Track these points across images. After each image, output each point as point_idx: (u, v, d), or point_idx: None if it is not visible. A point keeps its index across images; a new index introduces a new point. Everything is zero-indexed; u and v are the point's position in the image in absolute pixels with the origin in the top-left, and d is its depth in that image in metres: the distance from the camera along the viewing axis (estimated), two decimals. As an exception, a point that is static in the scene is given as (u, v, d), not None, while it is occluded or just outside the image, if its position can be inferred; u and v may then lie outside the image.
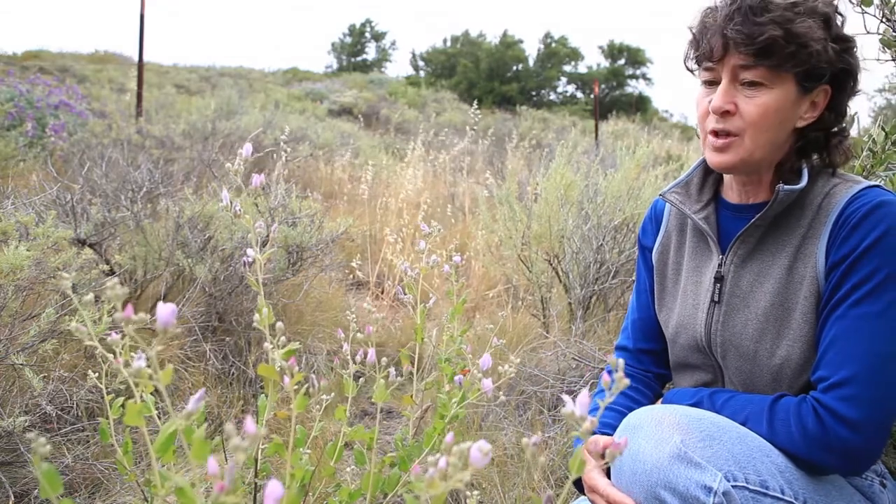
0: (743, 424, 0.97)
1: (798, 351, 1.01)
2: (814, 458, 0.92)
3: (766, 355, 1.04)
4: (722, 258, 1.10)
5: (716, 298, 1.09)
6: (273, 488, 0.42)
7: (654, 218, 1.27)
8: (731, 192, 1.13)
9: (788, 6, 0.95)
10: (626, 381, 0.59)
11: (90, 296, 0.58)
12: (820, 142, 1.05)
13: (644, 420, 0.94)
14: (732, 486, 0.87)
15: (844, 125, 1.06)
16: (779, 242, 1.04)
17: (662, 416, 0.93)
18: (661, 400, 1.17)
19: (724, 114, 1.01)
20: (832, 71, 0.99)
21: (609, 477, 1.00)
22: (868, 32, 1.37)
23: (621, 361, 0.60)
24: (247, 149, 0.80)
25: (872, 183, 1.02)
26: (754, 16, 0.95)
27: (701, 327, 1.11)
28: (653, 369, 1.28)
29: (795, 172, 1.06)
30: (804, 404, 0.95)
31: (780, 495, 0.90)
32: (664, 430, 0.90)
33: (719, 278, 1.09)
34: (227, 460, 0.50)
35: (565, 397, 0.58)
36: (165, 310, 0.53)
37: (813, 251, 1.00)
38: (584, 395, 0.58)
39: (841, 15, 1.01)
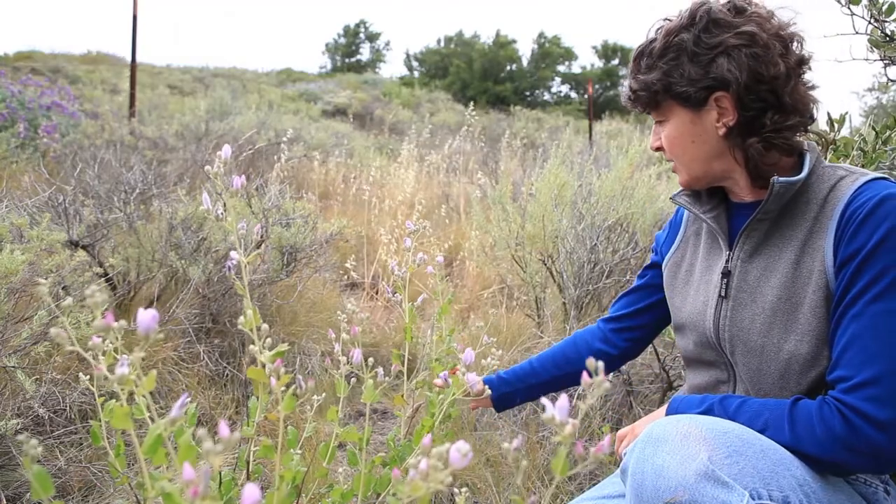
0: (762, 432, 0.96)
1: (806, 345, 1.01)
2: (839, 459, 0.92)
3: (773, 350, 1.04)
4: (729, 254, 1.12)
5: (723, 293, 1.11)
6: (250, 493, 0.42)
7: (675, 223, 1.33)
8: (730, 193, 1.16)
9: (649, 54, 1.11)
10: (607, 385, 0.60)
11: (69, 300, 0.58)
12: (761, 135, 1.06)
13: (669, 432, 0.91)
14: None
15: (787, 113, 1.05)
16: (785, 236, 1.06)
17: (688, 429, 0.91)
18: (666, 408, 1.15)
19: (657, 150, 1.18)
20: (708, 83, 1.05)
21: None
22: (857, 33, 1.38)
23: (601, 364, 0.61)
24: (226, 150, 0.80)
25: (877, 175, 1.02)
26: (630, 74, 1.16)
27: (710, 323, 1.13)
28: (625, 335, 1.40)
29: (793, 164, 1.08)
30: (826, 406, 0.94)
31: None
32: (690, 446, 0.88)
33: (726, 273, 1.11)
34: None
35: (545, 401, 0.58)
36: (146, 316, 0.53)
37: (820, 245, 1.01)
38: (563, 400, 0.58)
39: (711, 17, 1.06)
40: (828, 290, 0.99)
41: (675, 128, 1.12)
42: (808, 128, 1.11)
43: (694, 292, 1.19)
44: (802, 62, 1.07)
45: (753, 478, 0.87)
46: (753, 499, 0.86)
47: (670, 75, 1.08)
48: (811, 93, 1.08)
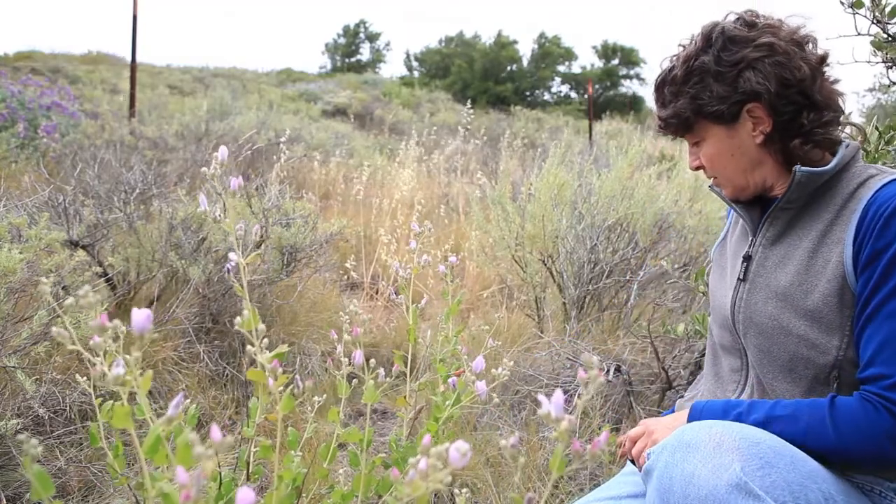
0: (803, 436, 0.96)
1: (815, 332, 1.02)
2: (888, 455, 0.93)
3: (782, 334, 1.06)
4: (752, 239, 1.16)
5: (741, 276, 1.15)
6: (244, 495, 0.42)
7: (729, 219, 1.35)
8: (769, 191, 1.18)
9: (672, 81, 1.14)
10: (601, 380, 0.60)
11: (70, 299, 0.57)
12: (802, 135, 1.09)
13: (701, 440, 0.91)
14: None
15: (820, 110, 1.08)
16: (807, 226, 1.08)
17: (722, 437, 0.90)
18: (687, 413, 1.13)
19: (698, 168, 1.21)
20: (739, 98, 1.08)
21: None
22: (859, 34, 1.39)
23: (595, 359, 0.62)
24: (222, 152, 0.80)
25: None
26: (656, 104, 1.20)
27: (729, 305, 1.17)
28: None
29: (823, 158, 1.10)
30: (869, 405, 0.95)
31: None
32: (723, 455, 0.88)
33: (747, 257, 1.15)
34: (217, 463, 0.49)
35: (541, 398, 0.58)
36: (140, 315, 0.53)
37: (840, 237, 1.03)
38: (558, 395, 0.58)
39: (727, 36, 1.09)
40: (843, 281, 1.01)
41: (712, 145, 1.15)
42: (847, 122, 1.15)
43: (721, 277, 1.24)
44: (823, 60, 1.10)
45: (784, 490, 0.87)
46: None
47: (699, 98, 1.11)
48: (835, 87, 1.11)
